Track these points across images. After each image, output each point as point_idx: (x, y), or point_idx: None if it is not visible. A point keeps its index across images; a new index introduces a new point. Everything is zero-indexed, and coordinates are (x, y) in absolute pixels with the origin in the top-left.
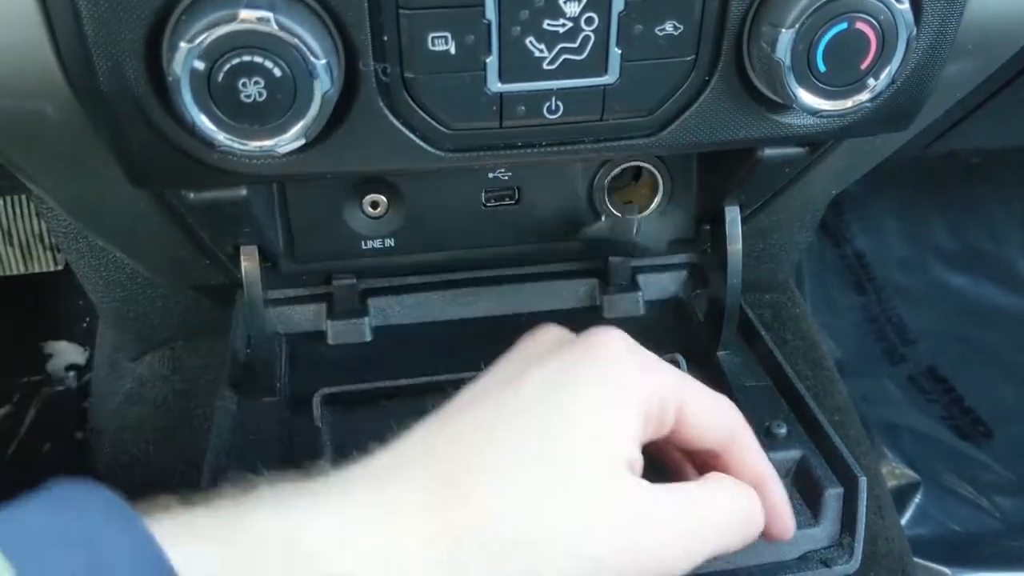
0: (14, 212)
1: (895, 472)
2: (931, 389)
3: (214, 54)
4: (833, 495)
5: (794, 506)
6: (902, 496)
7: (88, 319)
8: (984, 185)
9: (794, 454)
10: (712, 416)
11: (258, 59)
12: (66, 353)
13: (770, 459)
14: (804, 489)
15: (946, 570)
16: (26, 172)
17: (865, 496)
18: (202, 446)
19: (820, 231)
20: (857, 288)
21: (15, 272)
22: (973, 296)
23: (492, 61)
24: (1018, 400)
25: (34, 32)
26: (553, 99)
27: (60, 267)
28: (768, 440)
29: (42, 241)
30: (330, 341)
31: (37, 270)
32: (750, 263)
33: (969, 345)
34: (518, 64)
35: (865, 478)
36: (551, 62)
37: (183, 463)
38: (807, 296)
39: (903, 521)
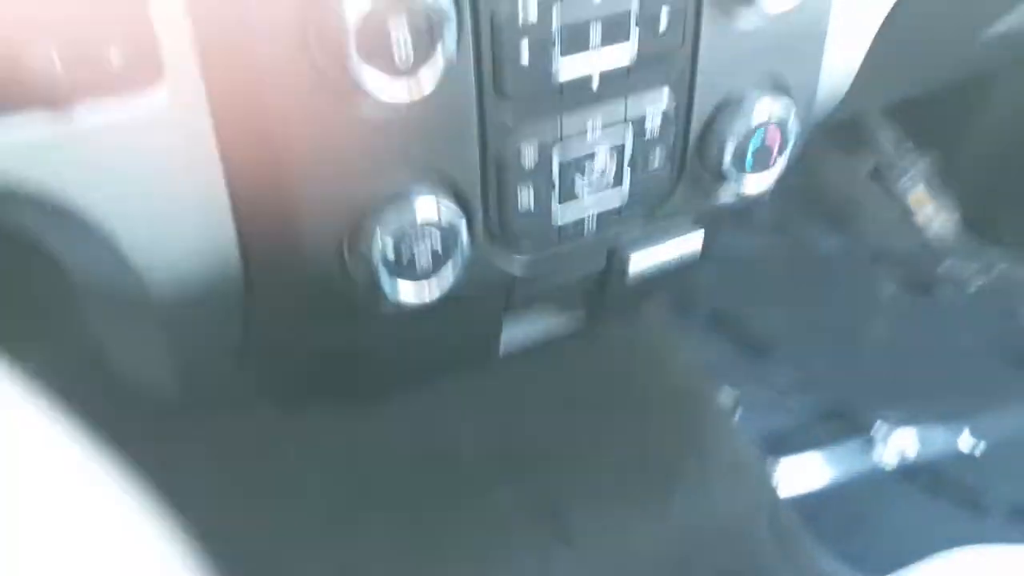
0: None
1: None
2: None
3: (402, 240)
4: None
5: None
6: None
7: None
8: None
9: None
10: None
11: (432, 239)
12: None
13: None
14: None
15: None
16: None
17: None
18: None
19: None
20: None
21: None
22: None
23: (555, 206)
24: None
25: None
26: (592, 220)
27: None
28: None
29: None
30: None
31: None
32: None
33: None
34: (571, 202)
35: None
36: (592, 201)
37: None
38: None
39: None
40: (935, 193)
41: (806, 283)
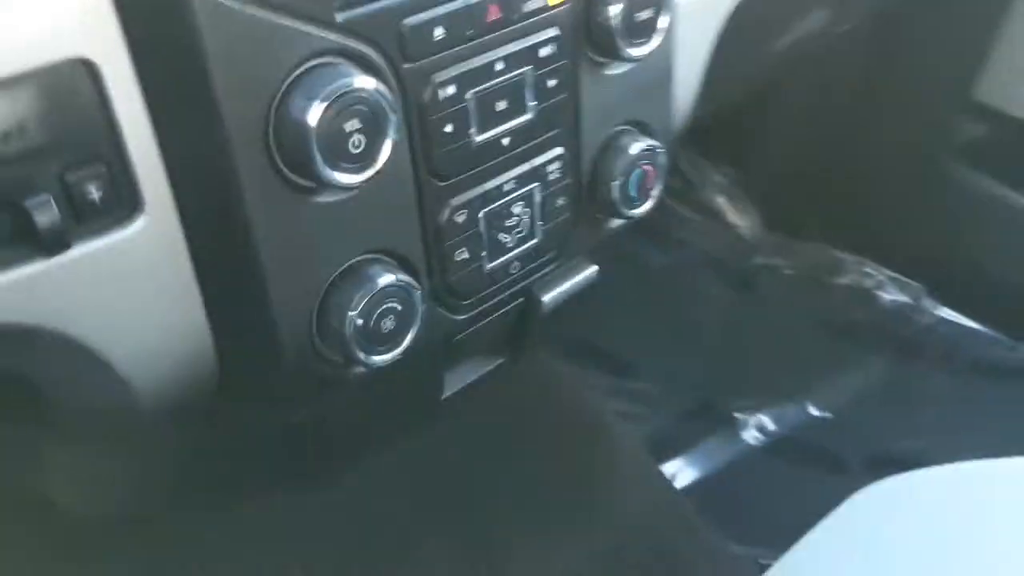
0: None
1: None
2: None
3: (370, 312)
4: None
5: None
6: None
7: None
8: None
9: None
10: None
11: (393, 306)
12: None
13: None
14: None
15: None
16: None
17: None
18: None
19: None
20: None
21: None
22: None
23: (485, 259)
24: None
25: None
26: (515, 263)
27: None
28: None
29: None
30: None
31: None
32: None
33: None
34: (499, 253)
35: None
36: (512, 246)
37: None
38: None
39: None
40: (734, 202)
41: (647, 297)
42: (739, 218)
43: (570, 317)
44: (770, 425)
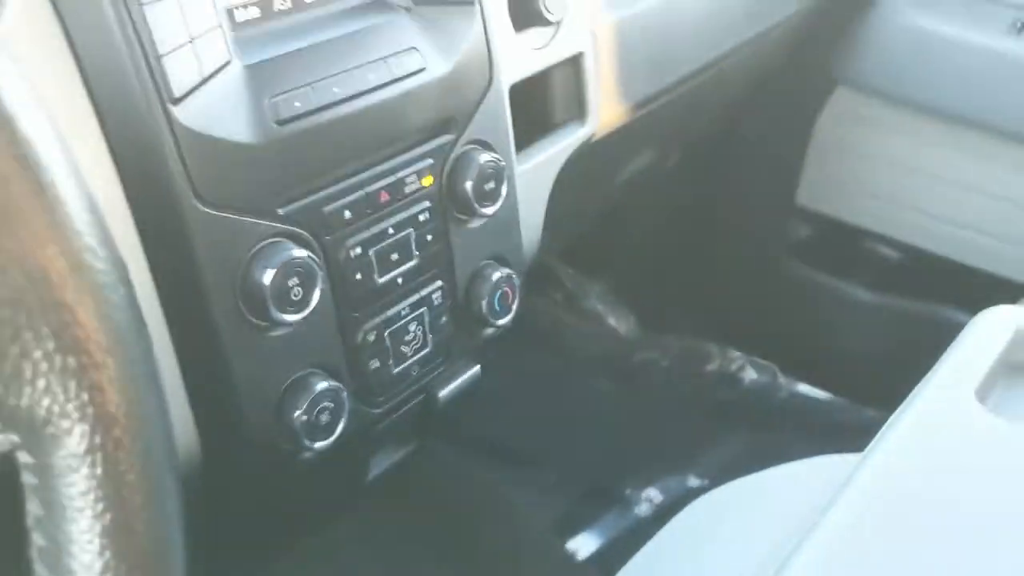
0: None
1: None
2: None
3: (310, 410)
4: None
5: None
6: None
7: None
8: None
9: None
10: None
11: (327, 404)
12: None
13: None
14: None
15: None
16: None
17: None
18: None
19: None
20: None
21: None
22: None
23: (391, 366)
24: None
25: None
26: (414, 367)
27: None
28: None
29: None
30: None
31: None
32: None
33: None
34: (401, 360)
35: None
36: (411, 355)
37: None
38: None
39: None
40: (612, 307)
41: (543, 398)
42: (617, 321)
43: (476, 419)
44: (657, 497)
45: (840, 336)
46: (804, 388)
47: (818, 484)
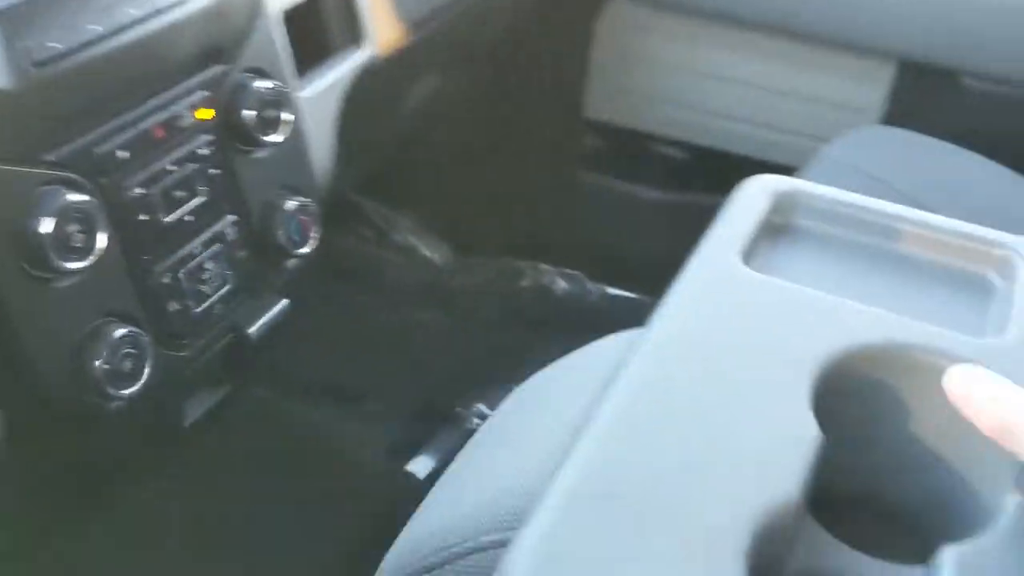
0: None
1: None
2: None
3: (111, 358)
4: None
5: None
6: None
7: None
8: None
9: None
10: None
11: (129, 351)
12: None
13: None
14: None
15: None
16: None
17: None
18: None
19: None
20: None
21: None
22: None
23: (192, 306)
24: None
25: None
26: (217, 305)
27: None
28: None
29: None
30: None
31: None
32: None
33: None
34: (201, 300)
35: None
36: (211, 294)
37: None
38: None
39: None
40: (424, 238)
41: (364, 334)
42: (431, 251)
43: (295, 359)
44: (487, 411)
45: (639, 237)
46: (612, 291)
47: (614, 356)
